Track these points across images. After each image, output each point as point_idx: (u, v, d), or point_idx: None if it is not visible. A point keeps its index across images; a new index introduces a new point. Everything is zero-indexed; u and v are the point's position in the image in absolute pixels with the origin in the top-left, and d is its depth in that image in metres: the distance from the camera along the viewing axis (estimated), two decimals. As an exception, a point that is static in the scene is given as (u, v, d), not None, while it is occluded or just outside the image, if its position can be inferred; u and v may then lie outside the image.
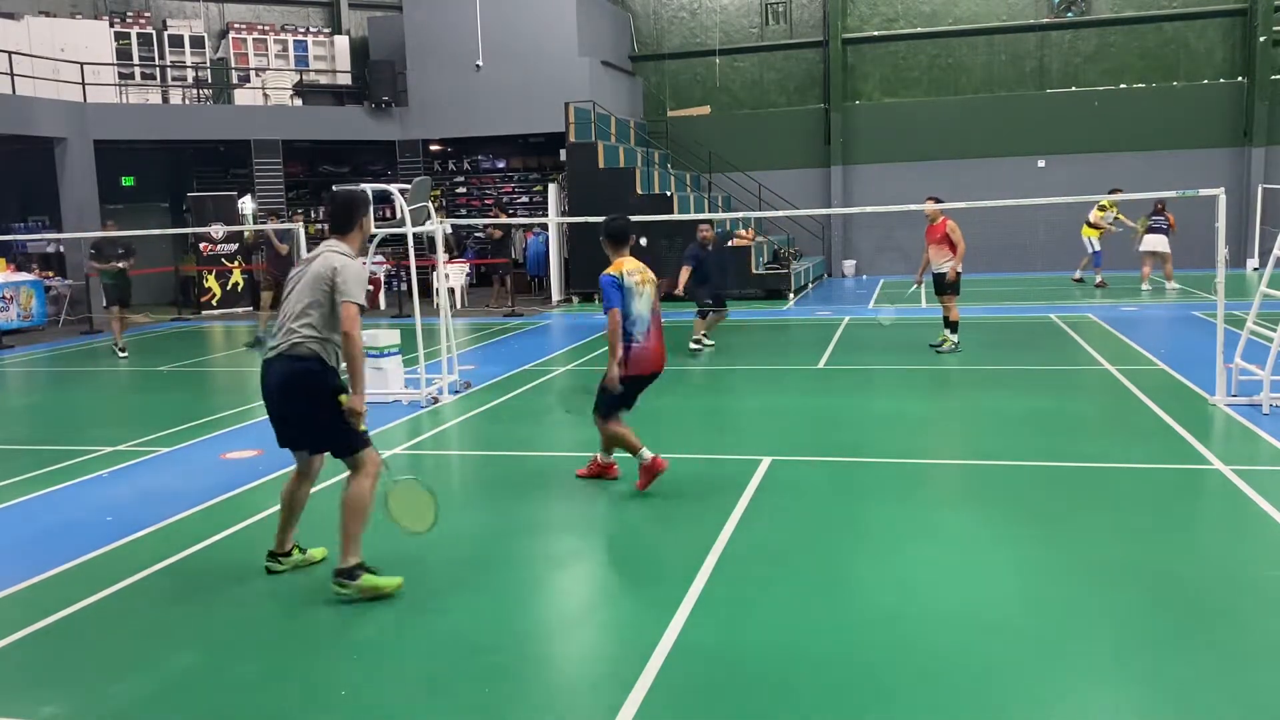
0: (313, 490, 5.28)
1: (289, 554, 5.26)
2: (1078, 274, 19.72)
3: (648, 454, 6.40)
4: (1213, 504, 6.17)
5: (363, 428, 4.87)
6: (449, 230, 21.71)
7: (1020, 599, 4.65)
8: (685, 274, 12.40)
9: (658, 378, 6.61)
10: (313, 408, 4.82)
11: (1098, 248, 18.83)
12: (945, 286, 11.72)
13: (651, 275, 6.55)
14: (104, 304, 15.27)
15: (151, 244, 19.68)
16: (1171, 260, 18.03)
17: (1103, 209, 18.52)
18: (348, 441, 4.88)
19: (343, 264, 4.83)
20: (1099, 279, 18.68)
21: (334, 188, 5.22)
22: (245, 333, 15.45)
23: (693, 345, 12.62)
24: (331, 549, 5.15)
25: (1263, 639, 4.13)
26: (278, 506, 5.23)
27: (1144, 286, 17.93)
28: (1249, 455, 7.04)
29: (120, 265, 14.32)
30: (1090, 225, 18.81)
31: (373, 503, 4.90)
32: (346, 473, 4.97)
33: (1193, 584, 4.74)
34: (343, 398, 4.79)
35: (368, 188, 10.29)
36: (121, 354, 14.09)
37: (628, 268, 6.35)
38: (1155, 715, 3.59)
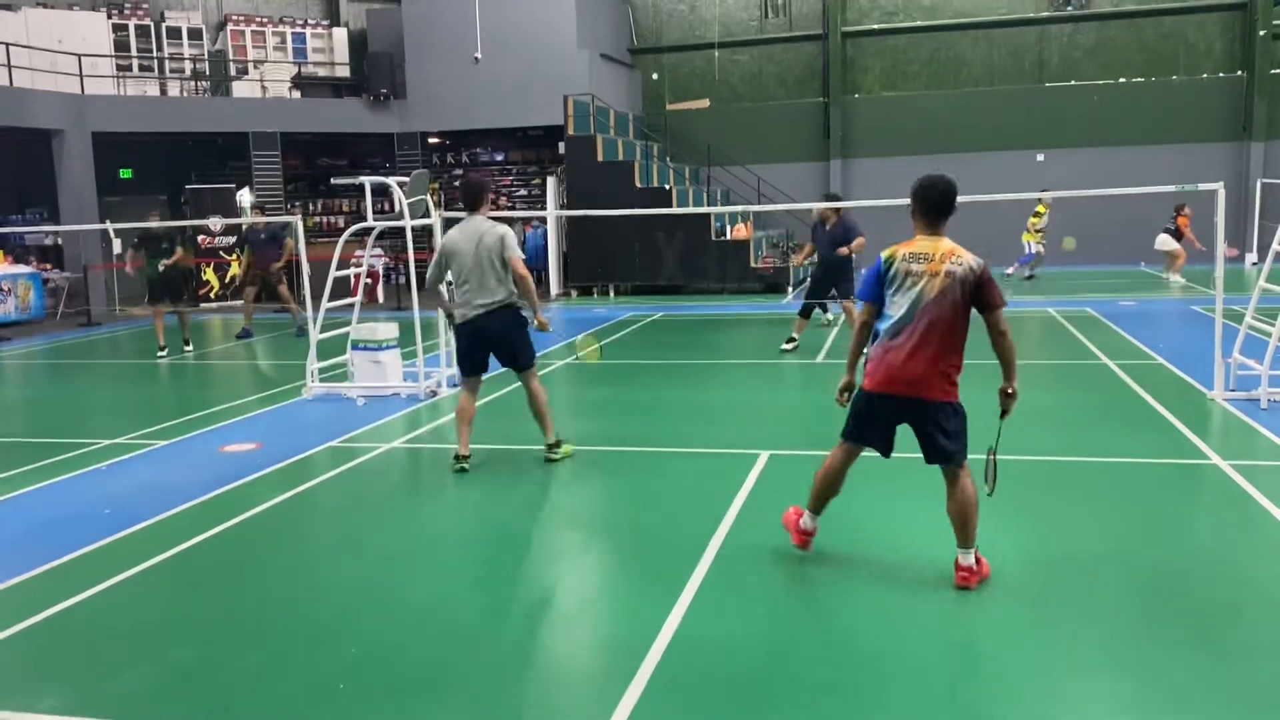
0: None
1: (557, 445, 6.97)
2: (1027, 272, 20.28)
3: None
4: (1211, 499, 6.18)
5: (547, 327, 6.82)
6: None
7: (1019, 594, 4.66)
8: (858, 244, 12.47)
9: None
10: (521, 337, 6.71)
11: (1033, 250, 19.87)
12: None
13: None
14: (145, 299, 14.50)
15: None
16: (1181, 259, 18.27)
17: (1037, 214, 19.56)
18: (530, 357, 6.80)
19: (505, 230, 6.57)
20: (1027, 273, 20.06)
21: (465, 173, 5.98)
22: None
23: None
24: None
25: (1260, 635, 4.13)
26: (285, 497, 5.22)
27: (1165, 277, 18.53)
28: (1247, 450, 7.05)
29: (164, 261, 13.50)
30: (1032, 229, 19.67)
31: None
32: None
33: (1190, 579, 4.74)
34: (538, 320, 6.76)
35: (366, 180, 10.30)
36: (160, 353, 13.34)
37: None
38: (1151, 712, 3.60)
